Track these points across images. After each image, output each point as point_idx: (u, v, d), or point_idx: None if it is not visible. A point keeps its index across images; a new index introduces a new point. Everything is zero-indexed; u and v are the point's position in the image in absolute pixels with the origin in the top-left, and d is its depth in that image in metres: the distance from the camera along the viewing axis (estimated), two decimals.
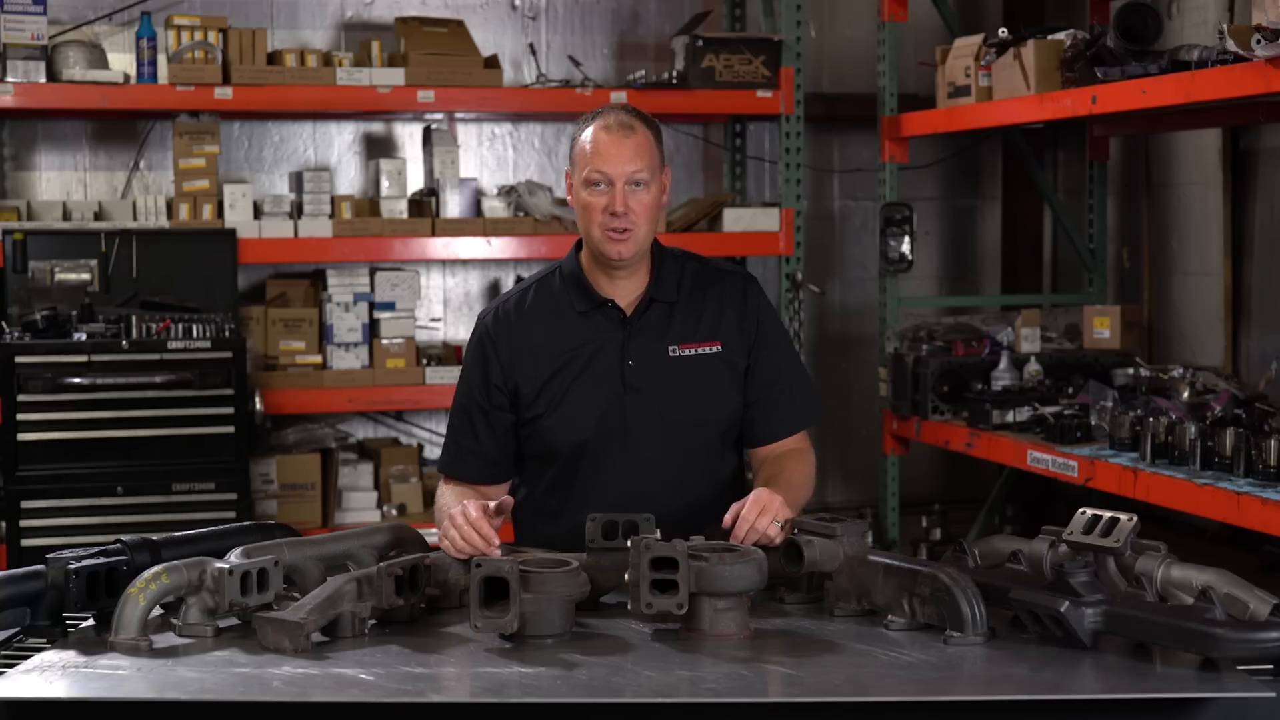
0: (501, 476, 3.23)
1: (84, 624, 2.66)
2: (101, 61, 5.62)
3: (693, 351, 3.17)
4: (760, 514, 2.81)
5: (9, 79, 5.39)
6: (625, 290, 3.17)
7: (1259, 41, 3.92)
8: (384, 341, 5.83)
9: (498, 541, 2.80)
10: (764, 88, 6.06)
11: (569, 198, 3.18)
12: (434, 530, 2.94)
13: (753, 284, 3.27)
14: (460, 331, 6.45)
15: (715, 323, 3.19)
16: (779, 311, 6.03)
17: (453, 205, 5.91)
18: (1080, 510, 2.60)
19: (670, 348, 3.15)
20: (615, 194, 3.05)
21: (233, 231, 5.56)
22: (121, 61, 5.76)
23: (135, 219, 5.61)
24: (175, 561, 2.56)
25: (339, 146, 6.34)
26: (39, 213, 5.60)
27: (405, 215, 5.87)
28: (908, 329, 6.04)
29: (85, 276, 5.42)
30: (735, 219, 6.08)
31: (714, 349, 3.18)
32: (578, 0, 6.55)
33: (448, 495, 3.13)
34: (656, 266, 3.19)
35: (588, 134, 3.09)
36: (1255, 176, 5.64)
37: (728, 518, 2.84)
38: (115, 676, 2.35)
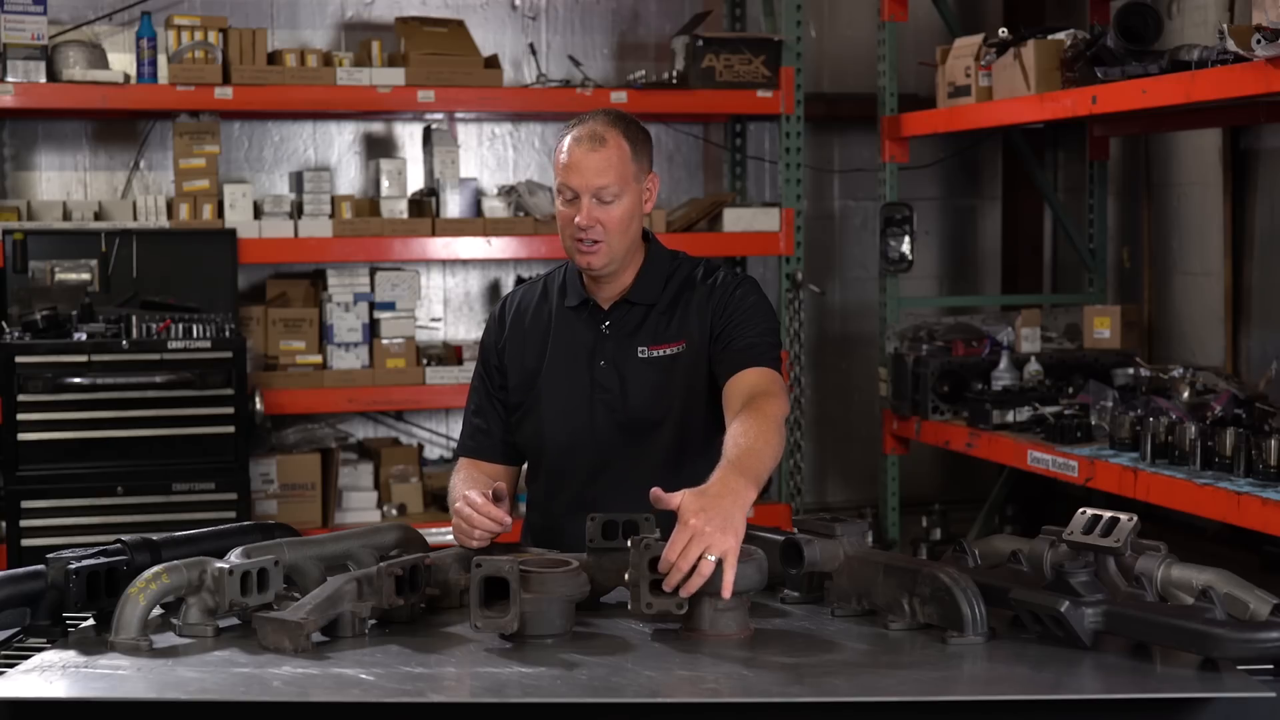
0: (516, 457, 3.25)
1: (84, 624, 2.65)
2: (101, 61, 5.62)
3: (660, 353, 3.13)
4: (690, 542, 2.46)
5: (9, 79, 5.39)
6: (606, 291, 3.16)
7: (1259, 41, 3.92)
8: (384, 341, 5.83)
9: (509, 520, 2.82)
10: (764, 88, 6.06)
11: None
12: (434, 530, 2.94)
13: (730, 278, 3.16)
14: (460, 331, 6.45)
15: (684, 322, 3.13)
16: (779, 311, 6.03)
17: (453, 205, 5.91)
18: (1080, 510, 2.60)
19: (640, 349, 3.13)
20: (581, 208, 3.03)
21: (233, 231, 5.56)
22: (121, 61, 5.76)
23: (135, 219, 5.61)
24: (175, 561, 2.55)
25: (339, 146, 6.34)
26: (39, 213, 5.60)
27: (405, 215, 5.87)
28: (908, 329, 6.04)
29: (85, 276, 5.42)
30: (735, 219, 6.08)
31: (678, 348, 3.12)
32: (578, 0, 6.55)
33: (456, 482, 3.13)
34: (644, 269, 3.16)
35: (563, 144, 3.07)
36: (1255, 176, 5.64)
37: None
38: (115, 676, 2.34)
